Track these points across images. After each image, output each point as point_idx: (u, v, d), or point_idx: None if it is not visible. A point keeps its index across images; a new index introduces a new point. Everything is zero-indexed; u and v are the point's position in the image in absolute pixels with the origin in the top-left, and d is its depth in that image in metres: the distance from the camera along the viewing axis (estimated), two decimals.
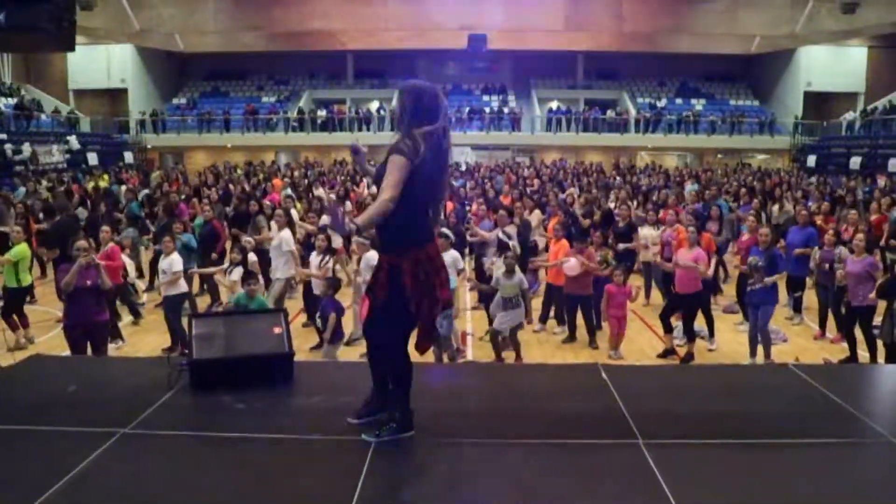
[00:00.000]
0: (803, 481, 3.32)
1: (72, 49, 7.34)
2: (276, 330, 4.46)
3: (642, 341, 9.70)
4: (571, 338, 9.74)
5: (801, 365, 5.49)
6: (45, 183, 19.53)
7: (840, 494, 3.23)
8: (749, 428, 3.85)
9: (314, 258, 9.31)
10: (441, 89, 3.76)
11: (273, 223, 10.51)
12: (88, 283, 7.26)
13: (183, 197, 15.66)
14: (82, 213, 13.90)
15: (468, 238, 11.88)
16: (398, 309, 3.47)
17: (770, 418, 4.04)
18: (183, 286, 9.26)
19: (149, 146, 33.27)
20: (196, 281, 11.26)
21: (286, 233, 9.97)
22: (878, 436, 3.80)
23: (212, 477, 3.35)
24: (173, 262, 9.07)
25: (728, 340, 9.77)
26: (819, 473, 3.40)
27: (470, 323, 10.45)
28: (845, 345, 8.99)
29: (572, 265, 8.99)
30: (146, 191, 18.24)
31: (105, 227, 9.84)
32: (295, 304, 10.51)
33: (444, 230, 9.67)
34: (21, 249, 9.57)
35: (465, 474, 3.37)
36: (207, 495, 3.18)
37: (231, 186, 18.41)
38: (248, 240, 10.41)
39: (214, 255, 11.11)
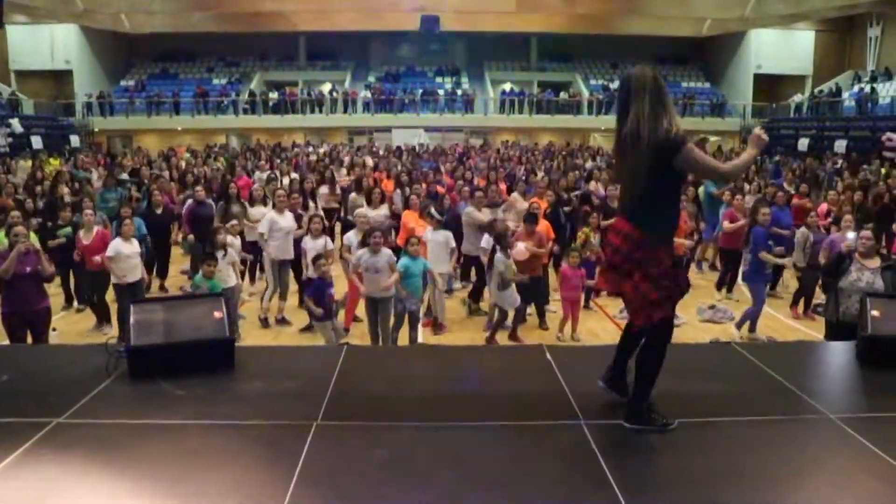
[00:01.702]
0: (742, 459, 3.35)
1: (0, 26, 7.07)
2: (217, 315, 4.38)
3: (592, 322, 9.76)
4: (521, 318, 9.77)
5: (744, 343, 5.57)
6: None
7: (779, 471, 3.26)
8: (690, 407, 3.87)
9: (311, 242, 8.95)
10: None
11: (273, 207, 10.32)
12: (28, 269, 7.06)
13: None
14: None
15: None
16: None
17: (711, 397, 4.08)
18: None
19: (96, 129, 32.49)
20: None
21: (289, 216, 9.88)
22: (817, 412, 3.85)
23: (148, 465, 3.27)
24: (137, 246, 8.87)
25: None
26: (759, 451, 3.43)
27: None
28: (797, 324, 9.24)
29: (520, 250, 9.00)
30: (125, 175, 17.64)
31: (88, 211, 9.50)
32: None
33: (432, 209, 9.64)
34: None
35: (405, 458, 3.34)
36: (143, 484, 3.11)
37: (207, 171, 18.10)
38: (233, 224, 10.17)
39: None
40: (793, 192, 13.02)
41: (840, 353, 5.00)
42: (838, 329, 6.81)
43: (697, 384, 4.27)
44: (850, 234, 7.63)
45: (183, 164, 20.73)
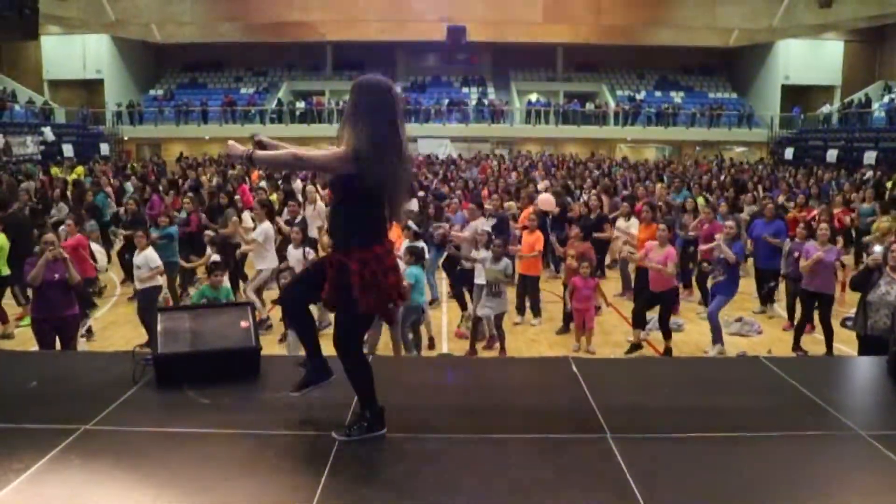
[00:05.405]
0: (771, 475, 3.30)
1: (34, 37, 7.19)
2: (243, 324, 4.39)
3: (618, 335, 9.69)
4: (566, 329, 9.73)
5: (773, 357, 5.51)
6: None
7: (807, 487, 3.22)
8: (718, 421, 3.84)
9: (293, 251, 9.24)
10: (391, 83, 3.66)
11: (250, 215, 10.40)
12: (56, 276, 7.16)
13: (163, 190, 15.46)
14: (63, 207, 13.69)
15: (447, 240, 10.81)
16: (348, 308, 3.41)
17: (739, 412, 4.03)
18: (158, 279, 9.15)
19: (125, 138, 32.94)
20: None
21: (267, 225, 9.95)
22: (846, 428, 3.79)
23: (173, 473, 3.28)
24: (149, 257, 8.92)
25: (692, 330, 9.89)
26: (787, 467, 3.38)
27: (445, 315, 10.42)
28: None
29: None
30: (129, 184, 17.84)
31: (69, 221, 9.66)
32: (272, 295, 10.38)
33: (409, 223, 9.65)
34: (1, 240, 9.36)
35: (430, 470, 3.32)
36: (168, 491, 3.12)
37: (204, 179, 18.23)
38: (208, 233, 10.30)
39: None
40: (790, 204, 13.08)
41: (870, 368, 4.92)
42: (866, 343, 6.72)
43: (726, 398, 4.22)
44: (878, 248, 7.47)
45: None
